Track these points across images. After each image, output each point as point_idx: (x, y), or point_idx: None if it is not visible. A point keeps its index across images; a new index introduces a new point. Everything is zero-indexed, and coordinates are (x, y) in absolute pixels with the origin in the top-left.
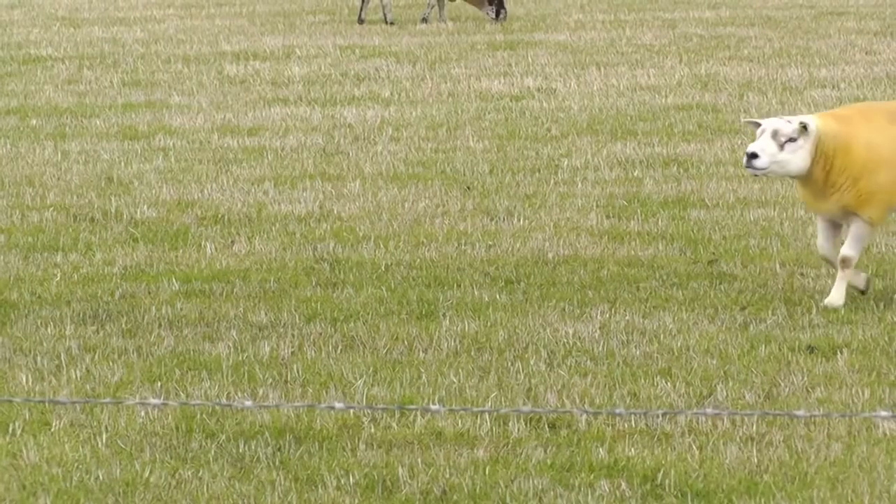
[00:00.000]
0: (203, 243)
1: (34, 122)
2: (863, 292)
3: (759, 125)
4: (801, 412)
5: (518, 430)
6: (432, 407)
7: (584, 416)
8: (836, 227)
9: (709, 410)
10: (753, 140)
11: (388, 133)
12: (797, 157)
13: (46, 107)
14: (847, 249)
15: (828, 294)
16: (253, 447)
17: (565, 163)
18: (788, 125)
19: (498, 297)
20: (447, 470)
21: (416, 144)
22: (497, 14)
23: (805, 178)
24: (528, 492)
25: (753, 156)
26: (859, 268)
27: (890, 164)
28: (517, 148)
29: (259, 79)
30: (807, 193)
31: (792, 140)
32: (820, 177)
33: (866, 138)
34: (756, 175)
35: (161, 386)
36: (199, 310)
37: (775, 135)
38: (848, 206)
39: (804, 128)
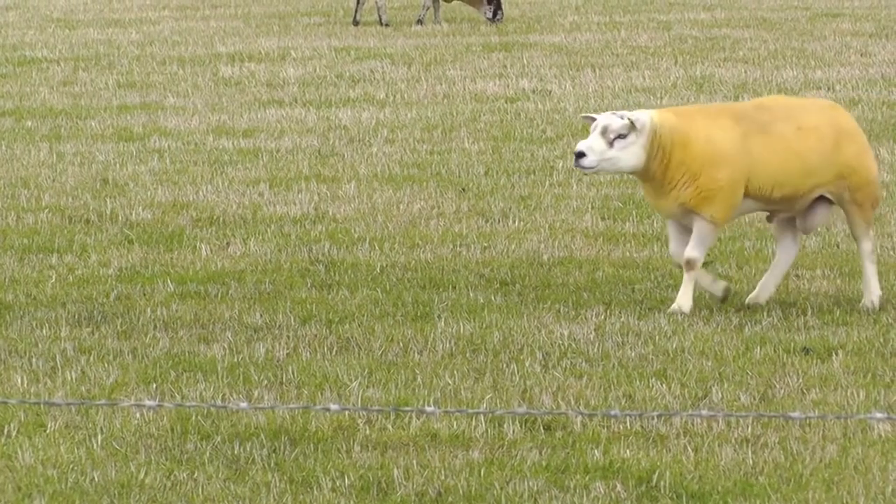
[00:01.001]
0: (198, 245)
1: (29, 123)
2: (721, 301)
3: (594, 120)
4: (796, 414)
5: (513, 431)
6: (427, 409)
7: (580, 418)
8: (686, 230)
9: (704, 412)
10: None
11: (383, 135)
12: (628, 154)
13: (41, 108)
14: (690, 250)
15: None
16: (248, 449)
17: (560, 164)
18: (618, 121)
19: (493, 298)
20: (442, 471)
21: (412, 146)
22: (494, 14)
23: (643, 175)
24: (523, 493)
25: (581, 154)
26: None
27: (731, 160)
28: (512, 150)
29: (254, 80)
30: (648, 190)
31: (622, 136)
32: (658, 172)
33: (707, 133)
34: (586, 174)
35: (156, 387)
36: (195, 311)
37: (605, 132)
38: (687, 204)
39: (632, 124)
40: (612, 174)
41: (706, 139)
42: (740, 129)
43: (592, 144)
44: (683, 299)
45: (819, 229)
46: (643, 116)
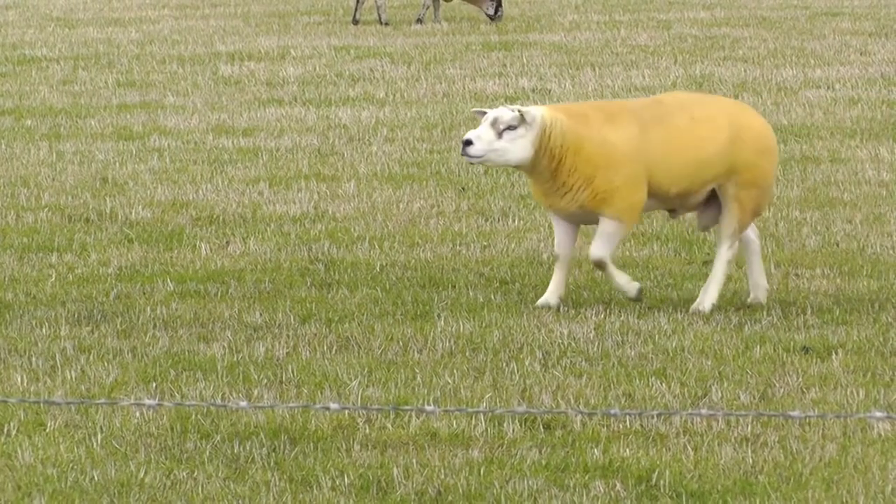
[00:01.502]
0: (198, 244)
1: (29, 122)
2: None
3: (485, 114)
4: (795, 413)
5: (513, 430)
6: (427, 407)
7: (579, 417)
8: (573, 224)
9: (704, 411)
10: None
11: (382, 134)
12: (516, 147)
13: (41, 107)
14: (596, 249)
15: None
16: (248, 448)
17: None
18: (509, 113)
19: (493, 297)
20: (442, 470)
21: (411, 145)
22: (495, 11)
23: (531, 170)
24: (522, 492)
25: (468, 143)
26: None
27: (628, 160)
28: None
29: (254, 79)
30: (537, 189)
31: (511, 128)
32: (547, 172)
33: (601, 136)
34: (472, 163)
35: (156, 386)
36: (194, 310)
37: (495, 122)
38: (587, 206)
39: (523, 117)
40: (499, 166)
41: (601, 142)
42: (637, 126)
43: (481, 134)
44: (625, 286)
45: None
46: (534, 111)
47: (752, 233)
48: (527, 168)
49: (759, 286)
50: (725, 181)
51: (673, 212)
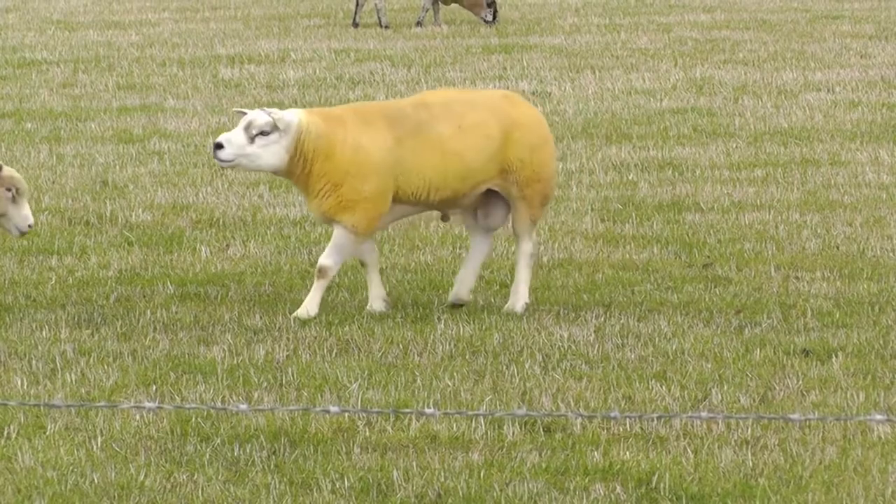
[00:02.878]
0: (198, 247)
1: (29, 125)
2: (382, 311)
3: (245, 114)
4: (795, 416)
5: (513, 433)
6: (427, 410)
7: (579, 420)
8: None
9: (703, 414)
10: (746, 144)
11: None
12: (268, 153)
13: (41, 110)
14: (324, 258)
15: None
16: (248, 451)
17: (560, 166)
18: (263, 117)
19: (493, 300)
20: (442, 473)
21: None
22: (493, 17)
23: (288, 177)
24: (522, 495)
25: (219, 146)
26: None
27: (379, 171)
28: None
29: (254, 82)
30: (301, 192)
31: (264, 133)
32: (300, 178)
33: (354, 142)
34: (224, 167)
35: (156, 389)
36: (194, 313)
37: (248, 126)
38: (327, 213)
39: (276, 123)
40: (251, 171)
41: (353, 148)
42: (393, 135)
43: (232, 138)
44: (307, 306)
45: (508, 226)
46: (289, 116)
47: (486, 240)
48: (284, 174)
49: (465, 282)
50: (503, 182)
51: (445, 215)
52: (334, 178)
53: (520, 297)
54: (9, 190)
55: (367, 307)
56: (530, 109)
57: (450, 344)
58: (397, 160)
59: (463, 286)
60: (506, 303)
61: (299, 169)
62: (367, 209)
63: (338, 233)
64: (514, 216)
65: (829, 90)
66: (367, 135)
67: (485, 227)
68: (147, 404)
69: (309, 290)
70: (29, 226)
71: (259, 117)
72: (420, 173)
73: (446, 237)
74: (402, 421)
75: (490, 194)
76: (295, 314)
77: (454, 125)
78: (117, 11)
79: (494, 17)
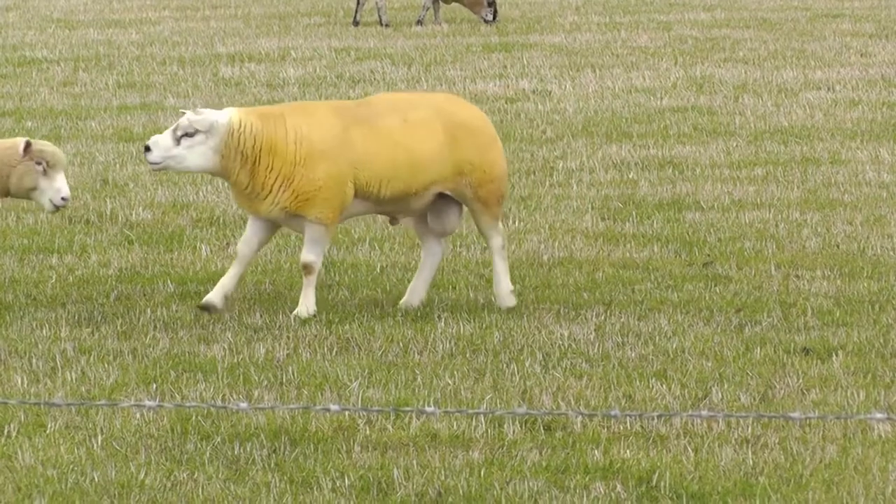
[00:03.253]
0: (198, 245)
1: (29, 124)
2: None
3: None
4: (796, 414)
5: (513, 431)
6: (427, 409)
7: (580, 418)
8: (269, 228)
9: (704, 412)
10: (746, 142)
11: None
12: (195, 154)
13: (42, 109)
14: (306, 254)
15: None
16: (248, 449)
17: (560, 165)
18: (188, 119)
19: (493, 299)
20: (442, 472)
21: None
22: (494, 16)
23: (225, 178)
24: (523, 494)
25: (147, 149)
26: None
27: (328, 157)
28: (512, 150)
29: (254, 81)
30: (237, 194)
31: (189, 135)
32: (243, 177)
33: (296, 133)
34: (154, 170)
35: (156, 388)
36: (195, 312)
37: (175, 128)
38: (289, 209)
39: (194, 124)
40: (183, 172)
41: (296, 139)
42: (340, 123)
43: (160, 140)
44: (304, 304)
45: (464, 231)
46: (214, 117)
47: (438, 245)
48: (220, 174)
49: (416, 292)
50: (455, 186)
51: (393, 219)
52: (284, 171)
53: (503, 287)
54: (38, 163)
55: (206, 297)
56: (474, 111)
57: (450, 342)
58: (346, 144)
59: (414, 295)
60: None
61: (238, 167)
62: (326, 198)
63: (308, 228)
64: (475, 218)
65: (829, 89)
66: (309, 125)
67: (438, 232)
68: (147, 403)
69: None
70: (63, 198)
71: (185, 119)
72: (370, 162)
73: None
74: (403, 419)
75: (442, 198)
76: (295, 312)
77: (399, 119)
78: (117, 10)
79: (495, 17)
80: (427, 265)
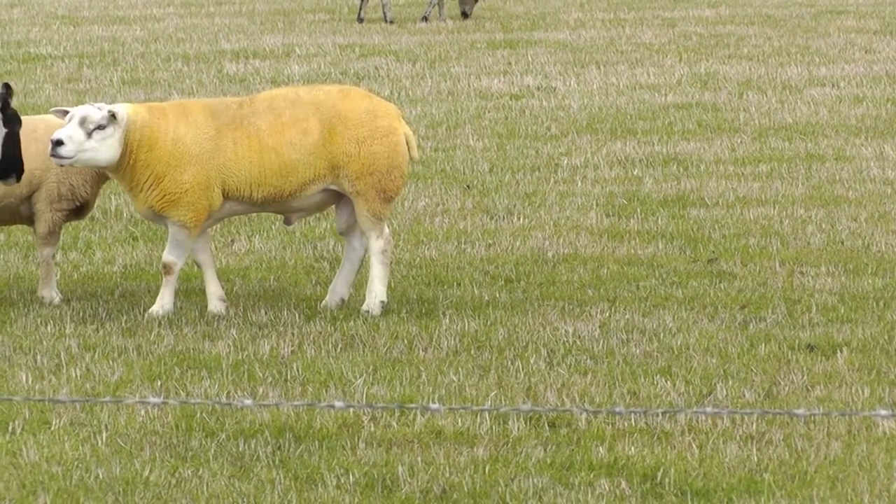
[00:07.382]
0: None
1: None
2: (216, 316)
3: (67, 113)
4: (800, 411)
5: (518, 428)
6: (432, 406)
7: (584, 415)
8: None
9: (708, 409)
10: (751, 139)
11: None
12: (105, 147)
13: (46, 105)
14: (167, 255)
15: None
16: (253, 446)
17: (565, 161)
18: (98, 112)
19: (498, 295)
20: (447, 468)
21: (416, 143)
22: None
23: (114, 171)
24: (527, 490)
25: (59, 143)
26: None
27: (197, 161)
28: (517, 147)
29: (259, 77)
30: (126, 191)
31: (101, 128)
32: (126, 171)
33: (174, 133)
34: (63, 164)
35: (161, 384)
36: (199, 308)
37: (83, 122)
38: (154, 208)
39: (113, 116)
40: (92, 167)
41: (173, 139)
42: (213, 126)
43: (72, 134)
44: (160, 303)
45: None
46: (123, 110)
47: (357, 241)
48: (112, 168)
49: (336, 292)
50: (335, 180)
51: (287, 219)
52: (157, 169)
53: (374, 294)
54: None
55: (208, 309)
56: (362, 103)
57: (455, 339)
58: (216, 150)
59: (335, 295)
60: (512, 297)
61: (126, 161)
62: (191, 202)
63: (171, 229)
64: (356, 212)
65: (833, 85)
66: (185, 126)
67: (343, 229)
68: (152, 399)
69: (312, 286)
70: None
71: (93, 112)
72: (239, 167)
73: (451, 232)
74: (407, 416)
75: (340, 195)
76: (150, 311)
77: (273, 119)
78: (122, 6)
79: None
80: (347, 262)
